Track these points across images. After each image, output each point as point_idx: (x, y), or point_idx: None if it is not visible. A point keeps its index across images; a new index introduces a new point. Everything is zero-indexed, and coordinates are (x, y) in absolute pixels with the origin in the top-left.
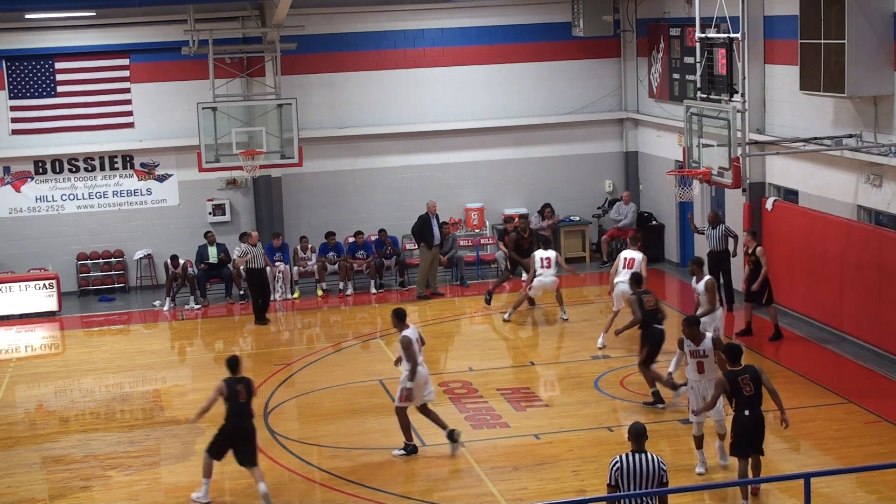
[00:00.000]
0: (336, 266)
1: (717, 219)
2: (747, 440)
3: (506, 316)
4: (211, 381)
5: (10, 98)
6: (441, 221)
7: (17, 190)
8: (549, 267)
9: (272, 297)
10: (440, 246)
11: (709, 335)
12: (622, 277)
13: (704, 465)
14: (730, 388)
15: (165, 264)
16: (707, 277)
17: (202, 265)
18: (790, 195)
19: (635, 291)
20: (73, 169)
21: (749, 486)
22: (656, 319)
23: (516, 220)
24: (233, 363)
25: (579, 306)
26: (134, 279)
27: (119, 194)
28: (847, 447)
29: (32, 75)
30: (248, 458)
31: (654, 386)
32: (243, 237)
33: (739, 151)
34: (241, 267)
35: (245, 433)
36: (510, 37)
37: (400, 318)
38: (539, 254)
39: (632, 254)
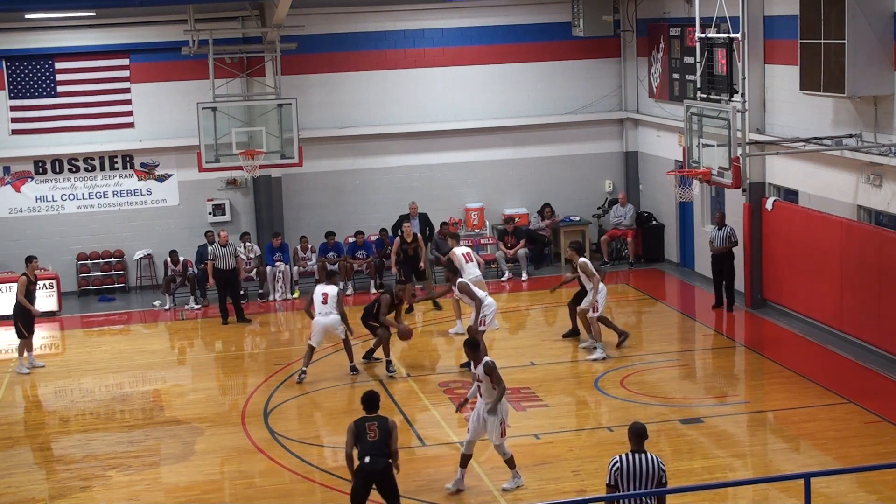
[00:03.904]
0: (336, 266)
1: (723, 220)
2: (362, 491)
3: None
4: (210, 381)
5: (10, 98)
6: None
7: (17, 190)
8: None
9: (272, 297)
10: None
11: (486, 359)
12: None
13: (458, 483)
14: (355, 431)
15: (165, 262)
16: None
17: (202, 265)
18: (790, 195)
19: None
20: (73, 169)
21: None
22: None
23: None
24: None
25: None
26: (134, 279)
27: (119, 194)
28: (847, 447)
29: (32, 75)
30: None
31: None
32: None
33: (739, 151)
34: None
35: None
36: (510, 37)
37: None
38: (458, 250)
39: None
